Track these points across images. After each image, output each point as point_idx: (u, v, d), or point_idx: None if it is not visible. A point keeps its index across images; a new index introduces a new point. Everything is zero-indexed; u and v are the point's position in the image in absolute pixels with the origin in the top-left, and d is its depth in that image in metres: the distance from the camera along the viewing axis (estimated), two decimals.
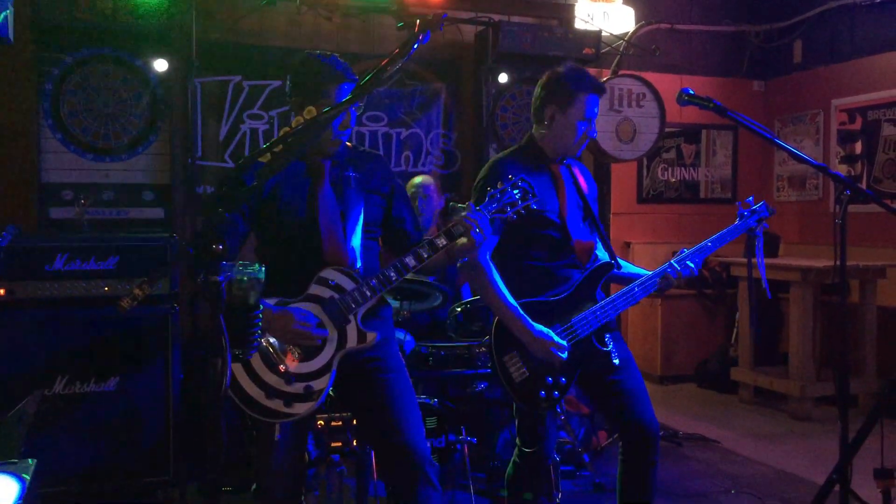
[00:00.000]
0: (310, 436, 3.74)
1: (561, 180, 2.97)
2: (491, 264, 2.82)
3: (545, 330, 2.77)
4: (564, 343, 2.79)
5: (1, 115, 4.66)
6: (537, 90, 3.01)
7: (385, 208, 2.81)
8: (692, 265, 2.98)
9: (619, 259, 3.09)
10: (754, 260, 3.08)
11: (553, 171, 2.97)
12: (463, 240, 2.59)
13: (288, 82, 2.71)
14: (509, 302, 2.78)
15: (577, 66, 3.02)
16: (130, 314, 3.85)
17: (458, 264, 2.87)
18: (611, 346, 2.89)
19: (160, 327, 3.96)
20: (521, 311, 2.77)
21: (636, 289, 2.94)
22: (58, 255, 3.86)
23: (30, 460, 2.35)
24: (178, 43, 4.85)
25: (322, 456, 3.76)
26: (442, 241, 2.58)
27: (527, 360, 2.80)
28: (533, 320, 2.78)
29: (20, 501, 2.13)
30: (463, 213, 2.57)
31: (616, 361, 2.87)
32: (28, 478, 2.25)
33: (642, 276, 2.99)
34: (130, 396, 3.90)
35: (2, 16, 2.60)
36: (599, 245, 3.04)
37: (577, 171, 3.05)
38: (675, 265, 2.96)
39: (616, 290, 2.97)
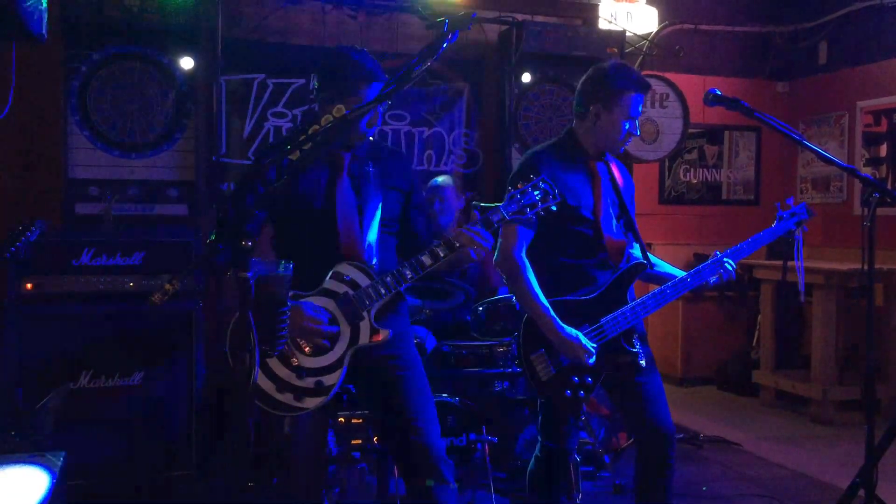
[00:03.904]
0: (331, 433, 3.77)
1: (598, 177, 2.94)
2: (526, 262, 2.81)
3: (575, 333, 2.76)
4: (593, 348, 2.77)
5: (29, 111, 4.70)
6: (581, 85, 2.96)
7: (402, 205, 2.81)
8: (730, 268, 2.95)
9: (652, 257, 3.06)
10: (791, 263, 3.06)
11: (590, 168, 2.95)
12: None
13: (315, 79, 2.71)
14: (541, 301, 2.77)
15: (622, 62, 2.99)
16: (155, 309, 3.89)
17: (494, 261, 2.87)
18: (638, 347, 2.87)
19: (184, 323, 4.00)
20: (553, 313, 2.76)
21: (668, 290, 2.91)
22: (84, 251, 3.90)
23: (59, 453, 2.38)
24: (203, 41, 4.88)
25: (343, 453, 3.77)
26: (441, 252, 2.55)
27: (554, 359, 2.80)
28: (562, 319, 2.77)
29: (50, 493, 2.16)
30: (463, 227, 2.55)
31: (643, 363, 2.86)
32: (58, 470, 2.28)
33: (675, 277, 2.97)
34: (155, 391, 3.93)
35: (39, 16, 2.63)
36: (634, 244, 3.01)
37: (615, 168, 3.02)
38: (711, 270, 2.94)
39: (647, 289, 2.95)
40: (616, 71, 2.89)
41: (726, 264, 2.96)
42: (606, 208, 2.92)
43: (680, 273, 3.03)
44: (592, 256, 2.90)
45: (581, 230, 2.88)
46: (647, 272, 2.98)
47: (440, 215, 4.61)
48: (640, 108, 2.91)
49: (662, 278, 3.02)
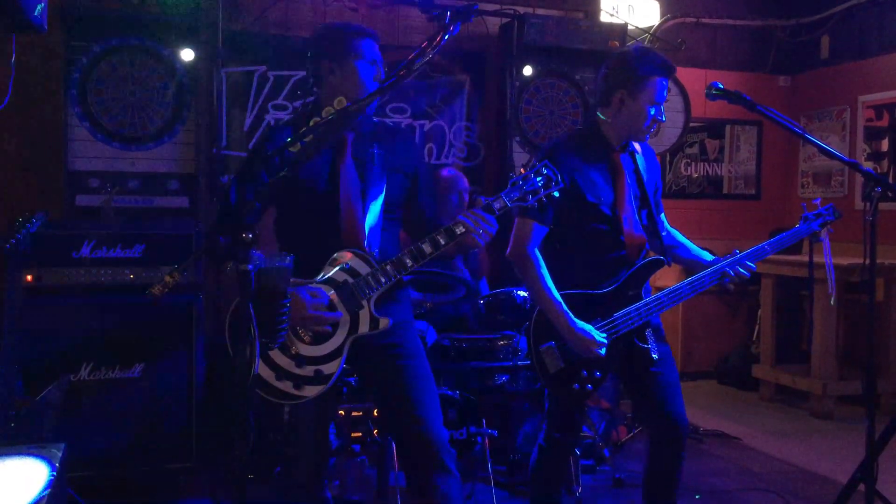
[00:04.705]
0: (331, 426, 3.77)
1: (620, 170, 2.87)
2: (538, 256, 2.79)
3: (586, 327, 2.74)
4: (605, 340, 2.76)
5: (29, 103, 4.70)
6: (604, 73, 2.88)
7: (408, 189, 2.78)
8: (744, 270, 2.91)
9: (680, 237, 3.04)
10: (803, 258, 3.04)
11: (612, 161, 2.88)
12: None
13: (309, 61, 2.69)
14: (553, 296, 2.75)
15: (644, 47, 2.91)
16: (155, 301, 3.89)
17: (506, 254, 2.85)
18: (650, 342, 2.85)
19: (184, 315, 3.99)
20: (565, 307, 2.74)
21: (685, 288, 2.87)
22: (84, 243, 3.89)
23: (59, 445, 2.38)
24: (204, 33, 4.87)
25: (343, 446, 3.78)
26: (442, 240, 2.52)
27: (564, 352, 2.79)
28: (575, 312, 2.75)
29: (50, 485, 2.16)
30: (464, 213, 2.52)
31: (655, 356, 2.84)
32: (58, 462, 2.28)
33: (700, 265, 2.94)
34: (155, 383, 3.93)
35: (39, 7, 2.62)
36: (654, 237, 2.94)
37: (639, 157, 2.95)
38: (730, 270, 2.89)
39: (659, 286, 2.93)
40: (640, 55, 2.81)
41: (741, 267, 2.91)
42: (629, 203, 2.86)
43: (707, 255, 3.00)
44: (611, 252, 2.86)
45: (600, 227, 2.84)
46: (676, 254, 2.95)
47: (458, 209, 4.53)
48: (665, 93, 2.84)
49: (690, 262, 2.99)
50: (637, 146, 2.97)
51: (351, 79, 2.58)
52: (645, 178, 2.93)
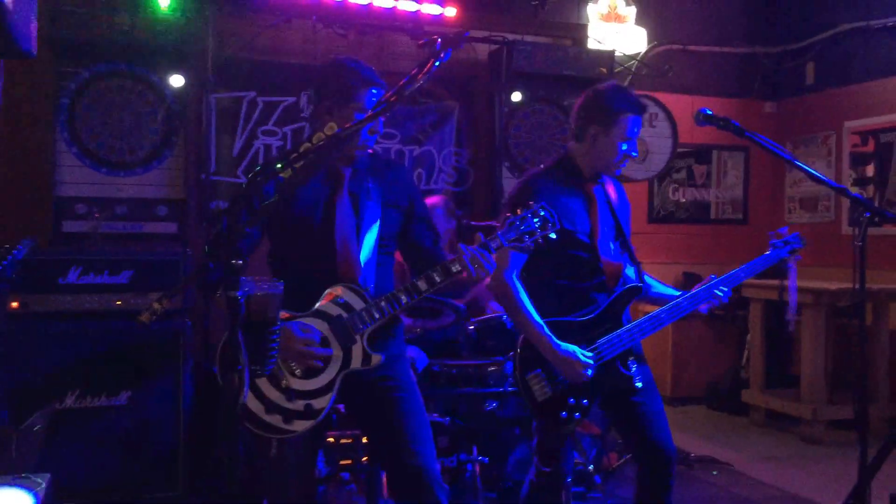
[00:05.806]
0: (320, 453, 3.73)
1: (594, 201, 2.95)
2: (518, 284, 2.80)
3: (571, 348, 2.76)
4: (591, 361, 2.77)
5: (17, 128, 4.69)
6: (578, 108, 2.97)
7: (403, 222, 2.78)
8: (721, 294, 2.95)
9: (648, 277, 3.06)
10: (784, 282, 3.09)
11: (587, 191, 2.96)
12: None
13: (312, 91, 2.70)
14: (536, 321, 2.77)
15: (618, 84, 3.00)
16: (143, 328, 3.86)
17: (486, 284, 2.86)
18: (634, 369, 2.87)
19: (172, 342, 3.97)
20: (548, 330, 2.76)
21: (664, 314, 2.92)
22: (71, 269, 3.87)
23: (44, 475, 2.34)
24: (194, 59, 4.88)
25: (332, 473, 3.74)
26: (438, 277, 2.54)
27: (551, 379, 2.79)
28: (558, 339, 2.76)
29: None
30: (461, 254, 2.52)
31: (639, 385, 2.86)
32: (42, 492, 2.24)
33: (670, 301, 2.97)
34: (142, 411, 3.90)
35: (29, 29, 2.61)
36: (629, 266, 3.01)
37: (610, 190, 3.04)
38: (704, 295, 2.94)
39: (644, 310, 2.95)
40: (613, 93, 2.91)
41: (719, 291, 2.96)
42: (603, 231, 2.93)
43: (675, 292, 3.04)
44: (590, 280, 2.90)
45: (578, 254, 2.88)
46: (644, 293, 2.98)
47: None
48: (636, 129, 2.92)
49: (658, 299, 3.03)
50: (610, 186, 3.05)
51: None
52: (616, 209, 3.01)
